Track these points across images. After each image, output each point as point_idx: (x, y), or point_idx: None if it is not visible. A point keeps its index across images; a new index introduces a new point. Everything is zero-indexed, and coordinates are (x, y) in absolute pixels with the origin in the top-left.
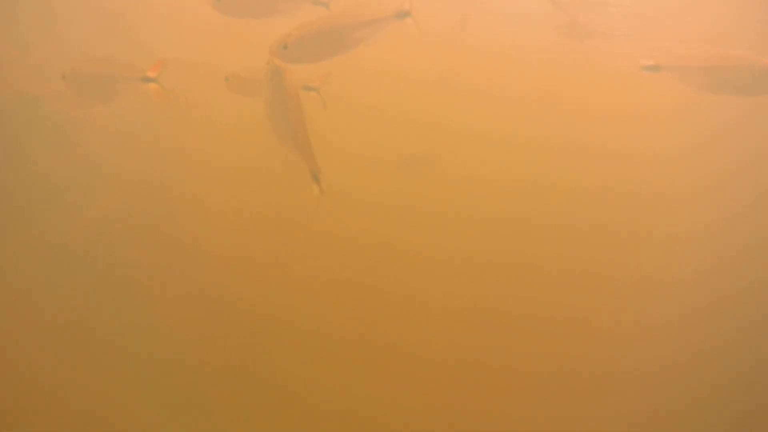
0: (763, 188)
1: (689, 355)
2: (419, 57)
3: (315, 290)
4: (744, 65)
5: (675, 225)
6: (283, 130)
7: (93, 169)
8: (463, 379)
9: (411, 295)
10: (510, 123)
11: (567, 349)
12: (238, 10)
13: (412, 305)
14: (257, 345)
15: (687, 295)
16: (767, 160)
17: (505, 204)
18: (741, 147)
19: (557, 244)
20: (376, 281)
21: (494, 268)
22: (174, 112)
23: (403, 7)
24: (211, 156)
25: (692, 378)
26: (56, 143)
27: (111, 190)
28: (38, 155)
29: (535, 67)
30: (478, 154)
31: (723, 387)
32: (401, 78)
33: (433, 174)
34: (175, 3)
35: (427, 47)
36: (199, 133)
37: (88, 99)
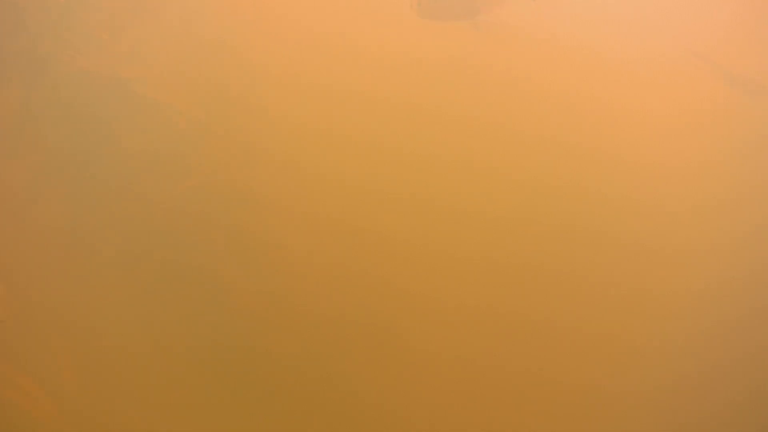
0: None
1: (699, 370)
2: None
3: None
4: None
5: (695, 238)
6: None
7: (171, 154)
8: (470, 380)
9: (419, 290)
10: (521, 120)
11: (574, 356)
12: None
13: (419, 301)
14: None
15: (701, 311)
16: None
17: (521, 203)
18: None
19: (572, 248)
20: (397, 278)
21: (507, 268)
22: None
23: None
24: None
25: (699, 394)
26: (141, 125)
27: (185, 175)
28: (122, 135)
29: (552, 62)
30: (491, 149)
31: (731, 406)
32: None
33: (446, 169)
34: None
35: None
36: (274, 130)
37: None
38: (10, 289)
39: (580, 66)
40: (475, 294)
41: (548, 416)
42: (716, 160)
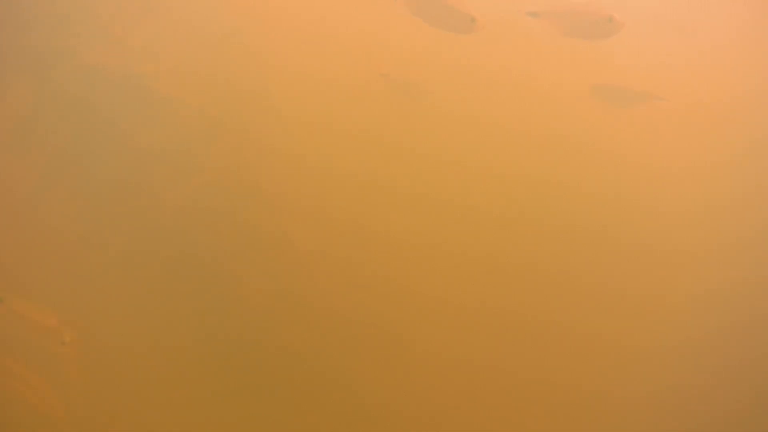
0: None
1: (700, 372)
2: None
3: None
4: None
5: (697, 240)
6: None
7: (182, 150)
8: (473, 379)
9: (426, 290)
10: (522, 121)
11: (576, 357)
12: None
13: (425, 300)
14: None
15: (702, 313)
16: None
17: (527, 207)
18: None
19: (574, 251)
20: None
21: (512, 269)
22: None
23: None
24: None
25: (699, 395)
26: (152, 121)
27: (195, 172)
28: (133, 130)
29: (553, 65)
30: (496, 151)
31: (732, 407)
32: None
33: (455, 170)
34: None
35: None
36: (284, 127)
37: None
38: (18, 286)
39: (580, 68)
40: (480, 294)
41: (550, 417)
42: (718, 162)
